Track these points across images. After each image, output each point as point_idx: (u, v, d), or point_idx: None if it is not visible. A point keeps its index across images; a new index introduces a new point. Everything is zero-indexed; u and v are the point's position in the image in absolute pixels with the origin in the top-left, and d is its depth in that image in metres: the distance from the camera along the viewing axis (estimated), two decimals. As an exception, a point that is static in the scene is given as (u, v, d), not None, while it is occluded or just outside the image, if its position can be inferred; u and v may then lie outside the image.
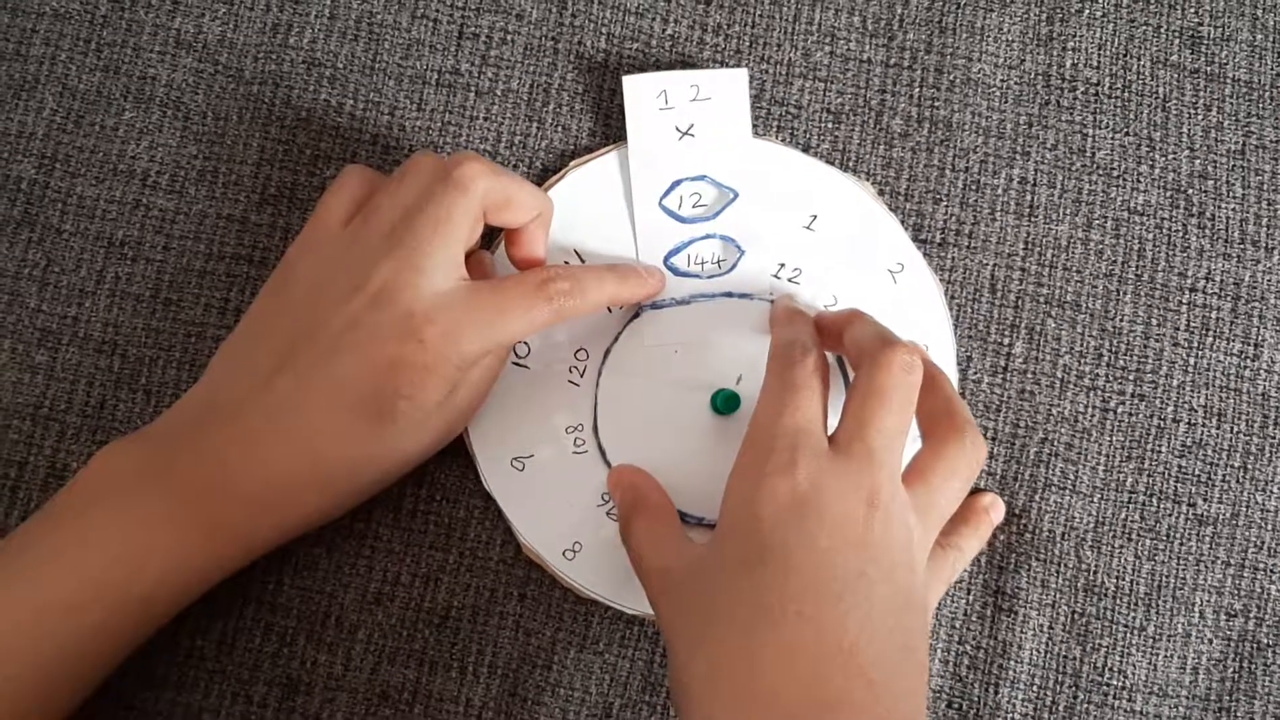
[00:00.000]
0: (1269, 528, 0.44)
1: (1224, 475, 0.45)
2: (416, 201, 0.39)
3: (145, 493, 0.38)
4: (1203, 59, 0.47)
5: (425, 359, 0.38)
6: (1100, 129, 0.46)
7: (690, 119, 0.45)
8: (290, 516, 0.40)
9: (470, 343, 0.38)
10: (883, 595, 0.35)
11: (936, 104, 0.46)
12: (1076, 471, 0.44)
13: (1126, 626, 0.44)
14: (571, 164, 0.45)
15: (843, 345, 0.41)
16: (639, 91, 0.45)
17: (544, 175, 0.46)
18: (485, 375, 0.41)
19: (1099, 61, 0.47)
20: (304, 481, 0.39)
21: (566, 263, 0.44)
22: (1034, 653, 0.44)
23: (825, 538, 0.35)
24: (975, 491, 0.44)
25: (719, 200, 0.45)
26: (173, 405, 0.40)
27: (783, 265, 0.45)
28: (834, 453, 0.37)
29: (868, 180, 0.46)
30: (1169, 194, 0.46)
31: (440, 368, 0.38)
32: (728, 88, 0.45)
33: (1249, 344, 0.45)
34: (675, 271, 0.45)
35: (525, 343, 0.44)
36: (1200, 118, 0.47)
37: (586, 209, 0.45)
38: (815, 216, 0.45)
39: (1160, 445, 0.45)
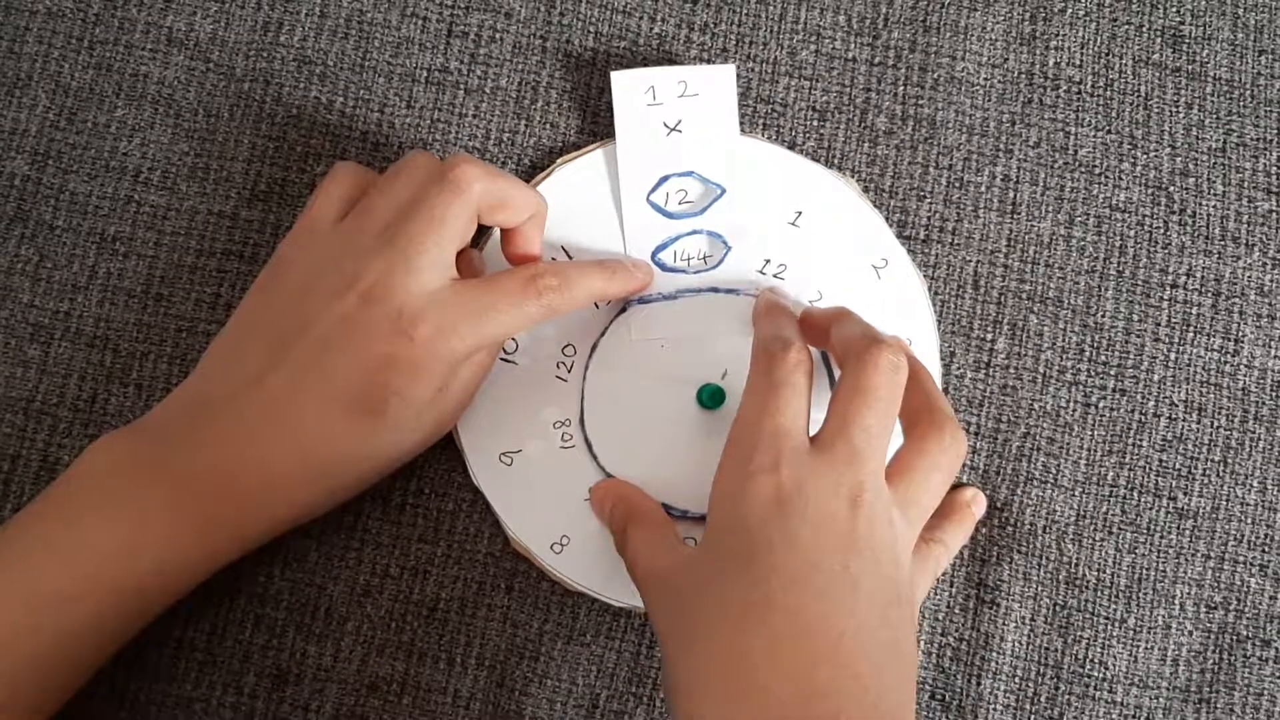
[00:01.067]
0: (1248, 521, 0.45)
1: (1204, 469, 0.45)
2: (411, 201, 0.39)
3: (138, 486, 0.38)
4: (1184, 58, 0.47)
5: (416, 357, 0.38)
6: (1082, 127, 0.47)
7: (678, 115, 0.45)
8: (283, 511, 0.40)
9: (461, 340, 0.39)
10: (868, 590, 0.36)
11: (921, 102, 0.47)
12: (1058, 465, 0.45)
13: (1107, 618, 0.44)
14: (559, 161, 0.46)
15: (829, 342, 0.41)
16: (627, 87, 0.45)
17: (532, 172, 0.46)
18: (475, 372, 0.42)
19: (1081, 60, 0.47)
20: (296, 477, 0.39)
21: (554, 259, 0.45)
22: (1016, 644, 0.44)
23: (809, 535, 0.36)
24: (957, 486, 0.44)
25: (706, 196, 0.45)
26: (165, 399, 0.41)
27: (768, 261, 0.45)
28: (817, 451, 0.37)
29: (852, 177, 0.46)
30: (1150, 191, 0.47)
31: (431, 365, 0.38)
32: (715, 83, 0.45)
33: (1229, 339, 0.46)
34: (662, 267, 0.45)
35: (513, 339, 0.44)
36: (1181, 116, 0.47)
37: (574, 205, 0.45)
38: (800, 213, 0.45)
39: (1141, 439, 0.45)
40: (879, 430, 0.37)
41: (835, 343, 0.40)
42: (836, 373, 0.45)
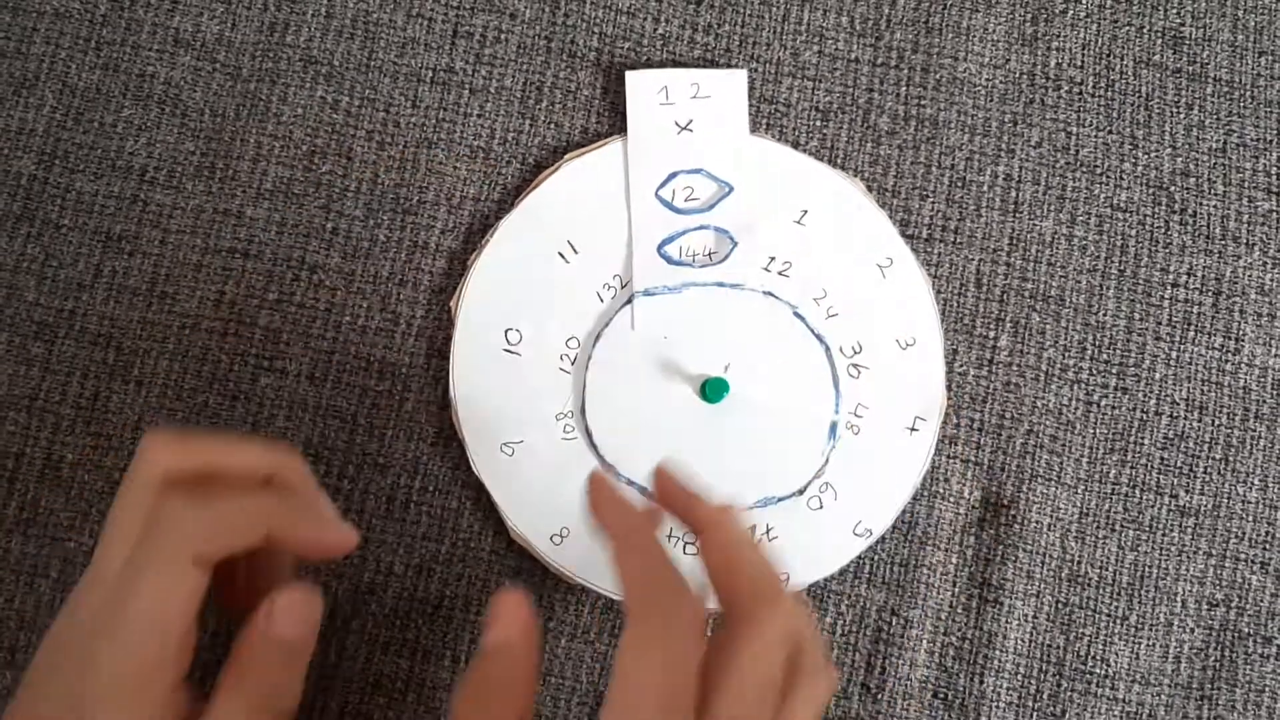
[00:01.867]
0: (1249, 519, 0.45)
1: (1205, 467, 0.45)
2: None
3: None
4: (1184, 59, 0.48)
5: None
6: (1084, 127, 0.47)
7: (689, 115, 0.46)
8: None
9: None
10: None
11: (923, 102, 0.47)
12: (1061, 463, 0.45)
13: (1110, 616, 0.44)
14: (569, 155, 0.46)
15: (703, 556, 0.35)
16: (641, 86, 0.46)
17: (536, 170, 0.46)
18: None
19: (1083, 61, 0.48)
20: None
21: (560, 254, 0.45)
22: (1019, 642, 0.44)
23: None
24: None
25: (714, 194, 0.46)
26: None
27: (773, 258, 0.45)
28: None
29: (857, 178, 0.47)
30: (1151, 191, 0.47)
31: None
32: (727, 88, 0.46)
33: (1230, 338, 0.46)
34: (668, 260, 0.45)
35: (517, 330, 0.45)
36: (1182, 116, 0.47)
37: (584, 197, 0.45)
38: (806, 211, 0.46)
39: (1143, 437, 0.45)
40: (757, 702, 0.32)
41: (717, 581, 0.35)
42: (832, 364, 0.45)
